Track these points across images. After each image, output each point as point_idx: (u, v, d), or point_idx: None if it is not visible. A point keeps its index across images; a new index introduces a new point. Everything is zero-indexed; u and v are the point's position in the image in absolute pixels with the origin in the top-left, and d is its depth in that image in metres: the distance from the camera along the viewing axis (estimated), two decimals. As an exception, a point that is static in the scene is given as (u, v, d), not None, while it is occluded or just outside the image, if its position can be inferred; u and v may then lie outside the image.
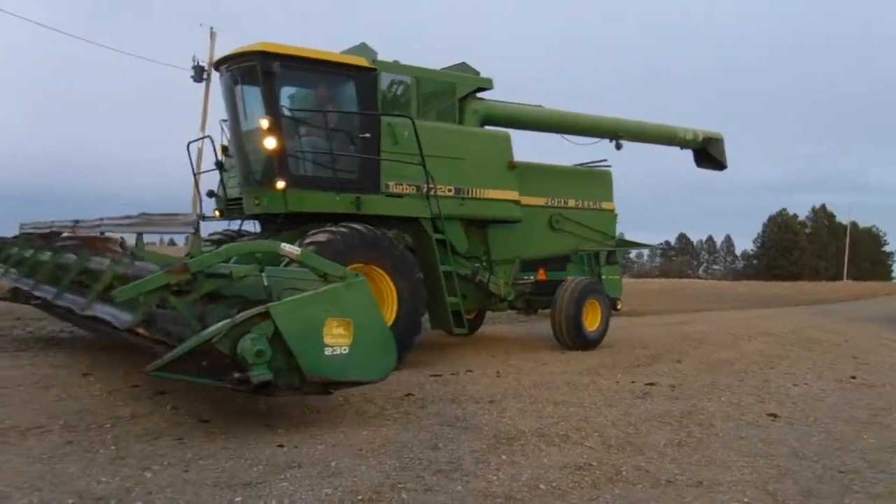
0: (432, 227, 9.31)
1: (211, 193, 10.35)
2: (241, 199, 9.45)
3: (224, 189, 10.05)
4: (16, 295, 10.36)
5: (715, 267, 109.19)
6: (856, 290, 45.33)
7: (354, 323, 5.15)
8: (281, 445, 5.02)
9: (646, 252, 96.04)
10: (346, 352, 5.12)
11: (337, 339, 5.08)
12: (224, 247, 5.47)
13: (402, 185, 9.02)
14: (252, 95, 8.79)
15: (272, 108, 8.38)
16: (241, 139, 9.14)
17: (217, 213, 10.16)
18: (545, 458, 4.97)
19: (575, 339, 10.44)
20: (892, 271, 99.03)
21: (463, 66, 10.72)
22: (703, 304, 24.62)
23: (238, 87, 8.95)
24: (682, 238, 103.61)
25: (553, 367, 8.99)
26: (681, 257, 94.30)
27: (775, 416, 6.61)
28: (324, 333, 5.03)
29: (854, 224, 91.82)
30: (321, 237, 7.94)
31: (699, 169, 14.11)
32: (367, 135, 8.78)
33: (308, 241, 7.84)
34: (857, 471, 4.99)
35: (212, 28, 29.30)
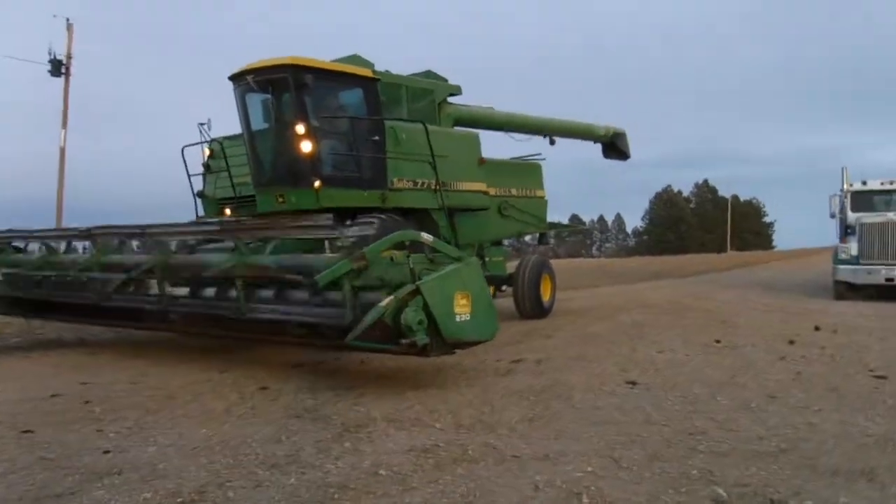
0: (439, 217, 10.43)
1: (200, 194, 11.23)
2: (233, 198, 10.47)
3: (235, 187, 10.58)
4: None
5: (607, 245, 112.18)
6: (738, 260, 47.48)
7: (472, 294, 6.16)
8: (107, 451, 4.66)
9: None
10: (468, 318, 6.10)
11: (463, 308, 6.07)
12: (386, 238, 6.34)
13: (402, 180, 9.96)
14: (278, 103, 9.53)
15: (303, 115, 9.08)
16: (257, 143, 9.89)
17: (228, 211, 10.71)
18: (391, 443, 4.80)
19: (536, 308, 12.08)
20: (772, 240, 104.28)
21: (429, 74, 11.74)
22: (594, 281, 25.10)
23: (261, 96, 9.63)
24: (575, 218, 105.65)
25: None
26: (573, 237, 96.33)
27: (634, 383, 6.66)
28: (454, 304, 6.00)
29: (735, 197, 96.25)
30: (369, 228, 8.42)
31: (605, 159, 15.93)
32: (377, 137, 9.66)
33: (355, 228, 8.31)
34: (704, 432, 5.04)
35: (68, 19, 27.60)
